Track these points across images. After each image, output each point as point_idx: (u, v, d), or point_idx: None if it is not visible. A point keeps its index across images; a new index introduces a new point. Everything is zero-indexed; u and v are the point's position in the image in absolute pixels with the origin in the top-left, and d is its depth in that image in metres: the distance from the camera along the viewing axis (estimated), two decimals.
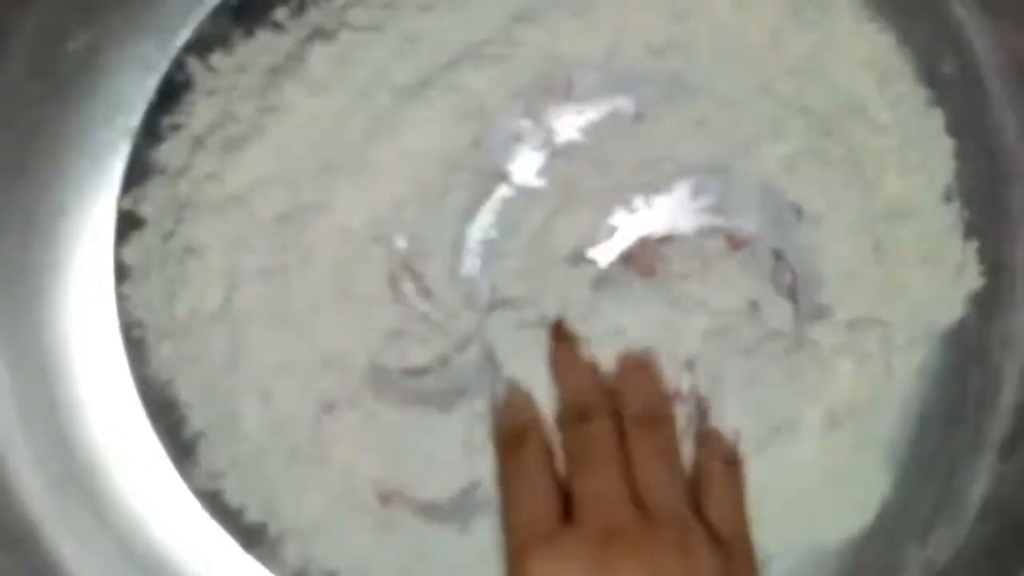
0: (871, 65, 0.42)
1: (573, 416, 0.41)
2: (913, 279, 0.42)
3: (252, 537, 0.43)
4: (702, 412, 0.42)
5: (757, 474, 0.41)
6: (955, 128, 0.42)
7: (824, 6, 0.42)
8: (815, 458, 0.42)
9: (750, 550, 0.40)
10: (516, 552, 0.38)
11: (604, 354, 0.41)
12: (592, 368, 0.41)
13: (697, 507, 0.40)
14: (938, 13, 0.42)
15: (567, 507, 0.39)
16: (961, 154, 0.42)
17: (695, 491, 0.41)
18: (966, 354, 0.43)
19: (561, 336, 0.42)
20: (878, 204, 0.42)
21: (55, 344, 0.44)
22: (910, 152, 0.42)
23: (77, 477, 0.44)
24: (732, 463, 0.41)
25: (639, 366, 0.41)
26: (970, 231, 0.42)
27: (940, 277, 0.42)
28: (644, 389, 0.41)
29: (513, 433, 0.41)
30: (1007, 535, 0.41)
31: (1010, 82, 0.42)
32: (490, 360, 0.42)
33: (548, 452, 0.40)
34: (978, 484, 0.43)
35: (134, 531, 0.44)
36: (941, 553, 0.42)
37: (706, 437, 0.42)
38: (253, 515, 0.43)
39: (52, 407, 0.44)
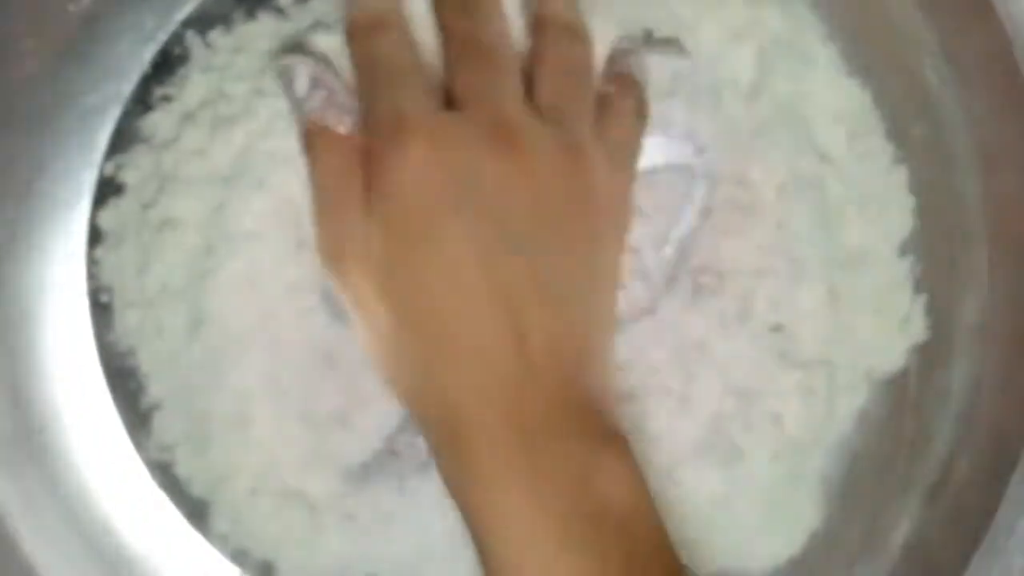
0: (844, 118, 0.44)
1: (456, 10, 0.36)
2: (861, 326, 0.43)
3: (197, 512, 0.44)
4: (618, 55, 0.40)
5: (700, 498, 0.43)
6: (917, 187, 0.43)
7: (804, 58, 0.44)
8: (754, 488, 0.43)
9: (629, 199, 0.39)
10: (389, 139, 0.35)
11: None
12: None
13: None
14: (912, 77, 0.43)
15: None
16: (920, 212, 0.43)
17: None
18: (903, 402, 0.44)
19: None
20: (837, 251, 0.43)
21: (20, 301, 0.44)
22: (872, 205, 0.43)
23: (29, 435, 0.43)
24: (642, 113, 0.40)
25: None
26: (920, 286, 0.44)
27: (887, 327, 0.44)
28: (565, 3, 0.38)
29: (366, 22, 0.37)
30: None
31: (973, 149, 0.43)
32: None
33: (412, 46, 0.36)
34: (903, 526, 0.43)
35: (81, 494, 0.44)
36: None
37: (621, 79, 0.39)
38: (198, 490, 0.44)
39: (11, 362, 0.43)
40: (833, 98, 0.44)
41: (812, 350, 0.43)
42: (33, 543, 0.42)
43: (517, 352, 0.34)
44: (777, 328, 0.43)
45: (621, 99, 0.39)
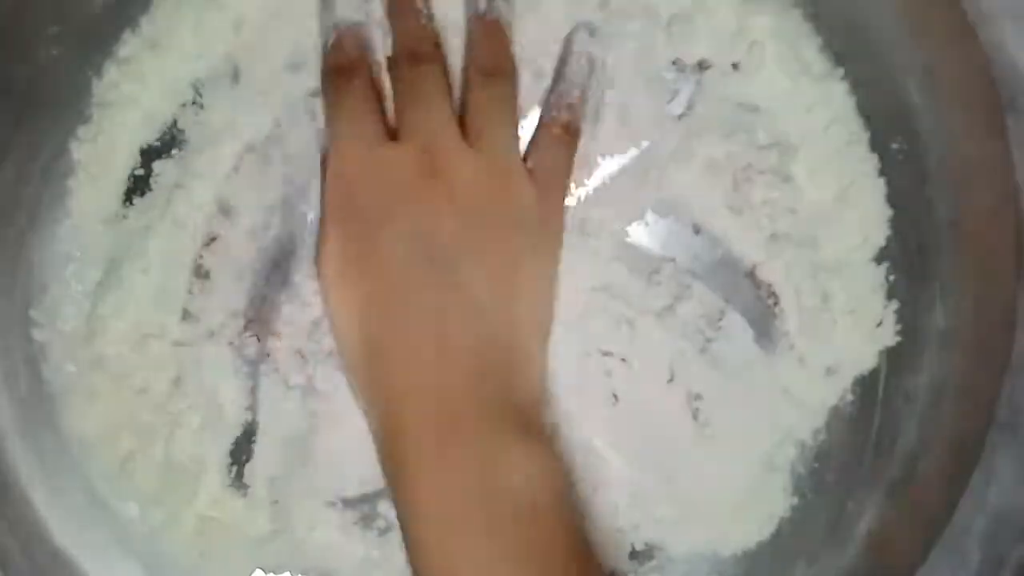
0: (831, 128, 0.45)
1: (405, 57, 0.41)
2: (837, 328, 0.45)
3: None
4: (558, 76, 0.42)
5: (676, 483, 0.45)
6: (894, 199, 0.45)
7: (797, 64, 0.45)
8: (728, 476, 0.45)
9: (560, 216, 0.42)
10: (335, 147, 0.40)
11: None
12: (428, 16, 0.42)
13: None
14: (896, 95, 0.44)
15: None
16: (896, 223, 0.45)
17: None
18: (872, 401, 0.45)
19: None
20: (816, 257, 0.45)
21: (43, 271, 0.45)
22: (851, 214, 0.45)
23: (44, 398, 0.45)
24: (571, 133, 0.42)
25: (490, 29, 0.42)
26: (893, 293, 0.45)
27: (861, 330, 0.45)
28: (491, 45, 0.42)
29: (340, 68, 0.41)
30: (886, 566, 0.44)
31: (948, 167, 0.44)
32: (324, 5, 0.43)
33: (375, 90, 0.41)
34: (866, 518, 0.45)
35: (90, 456, 0.45)
36: (826, 574, 0.45)
37: (555, 102, 0.42)
38: None
39: (30, 328, 0.45)
40: (821, 107, 0.45)
41: (788, 349, 0.45)
42: (47, 502, 0.44)
43: (439, 356, 0.38)
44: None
45: (553, 126, 0.42)
